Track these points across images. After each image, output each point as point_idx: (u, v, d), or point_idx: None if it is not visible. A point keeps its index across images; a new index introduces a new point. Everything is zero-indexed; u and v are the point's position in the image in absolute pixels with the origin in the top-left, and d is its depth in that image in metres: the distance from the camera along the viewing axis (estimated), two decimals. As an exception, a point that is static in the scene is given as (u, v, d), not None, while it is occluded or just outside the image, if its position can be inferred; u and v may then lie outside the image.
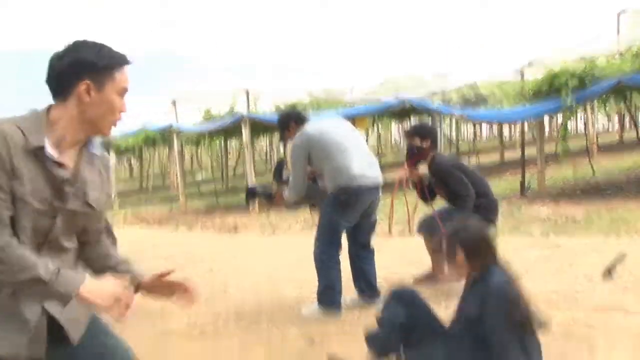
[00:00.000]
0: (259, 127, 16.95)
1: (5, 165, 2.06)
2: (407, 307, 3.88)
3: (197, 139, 21.83)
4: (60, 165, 2.21)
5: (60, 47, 2.27)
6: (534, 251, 7.68)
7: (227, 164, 29.08)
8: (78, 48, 2.25)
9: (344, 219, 5.56)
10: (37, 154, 2.13)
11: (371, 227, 5.86)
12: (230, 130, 17.48)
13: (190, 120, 18.54)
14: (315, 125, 5.62)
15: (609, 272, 6.19)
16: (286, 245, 10.17)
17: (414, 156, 6.08)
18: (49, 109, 2.25)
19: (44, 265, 2.08)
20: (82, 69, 2.22)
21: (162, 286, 2.64)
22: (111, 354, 2.59)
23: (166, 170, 32.31)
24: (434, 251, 6.30)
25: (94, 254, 2.56)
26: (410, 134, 6.29)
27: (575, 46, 13.72)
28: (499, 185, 14.98)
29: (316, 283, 5.66)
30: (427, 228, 6.29)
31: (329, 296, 5.60)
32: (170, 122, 18.17)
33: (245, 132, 15.56)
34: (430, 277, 6.46)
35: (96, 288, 2.18)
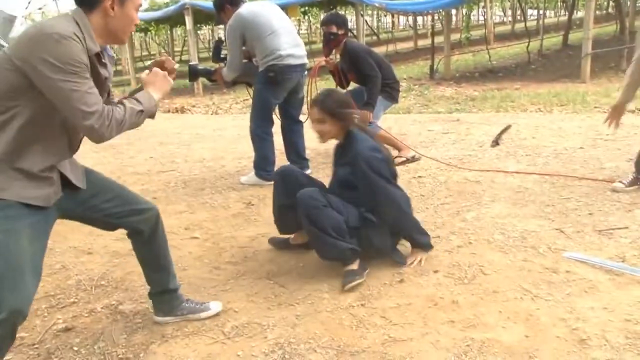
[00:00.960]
0: (201, 15, 16.45)
1: (87, 65, 2.27)
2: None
3: (145, 27, 21.16)
4: (102, 65, 2.44)
5: None
6: (439, 125, 7.90)
7: (174, 50, 28.39)
8: None
9: (274, 95, 5.52)
10: (93, 57, 2.33)
11: (299, 102, 5.84)
12: (175, 18, 16.92)
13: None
14: (249, 7, 5.45)
15: (496, 142, 6.49)
16: (227, 123, 10.15)
17: (330, 42, 6.00)
18: (85, 15, 2.35)
19: (128, 103, 2.48)
20: None
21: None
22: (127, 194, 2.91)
23: (118, 57, 31.37)
24: None
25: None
26: (327, 22, 6.13)
27: None
28: (412, 70, 15.12)
29: (252, 155, 5.72)
30: None
31: (263, 166, 5.67)
32: (119, 9, 17.41)
33: (189, 20, 15.04)
34: None
35: (155, 87, 2.62)
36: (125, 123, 2.39)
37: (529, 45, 15.48)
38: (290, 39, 5.44)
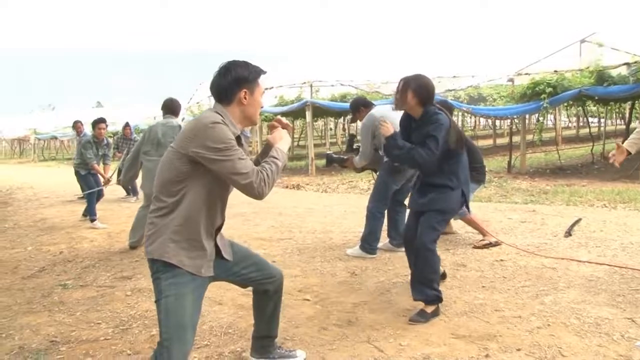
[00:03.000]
0: (318, 111, 16.91)
1: (234, 140, 2.43)
2: None
3: (272, 118, 21.80)
4: (240, 145, 2.52)
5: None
6: (516, 214, 7.57)
7: (293, 137, 29.09)
8: (233, 68, 2.53)
9: (395, 182, 5.48)
10: (236, 138, 2.46)
11: (409, 189, 5.63)
12: (297, 112, 17.40)
13: (267, 103, 18.32)
14: (379, 109, 5.58)
15: (569, 233, 6.14)
16: (335, 201, 10.11)
17: None
18: (224, 108, 2.53)
19: (269, 161, 2.54)
20: (241, 82, 2.52)
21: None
22: (263, 263, 2.95)
23: (250, 141, 32.51)
24: None
25: None
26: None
27: (551, 61, 13.52)
28: (492, 164, 14.77)
29: (357, 230, 5.63)
30: None
31: (370, 241, 5.56)
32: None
33: (309, 114, 15.65)
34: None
35: (282, 142, 2.66)
36: (273, 176, 2.47)
37: (592, 148, 14.97)
38: None
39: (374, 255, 5.54)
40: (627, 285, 4.32)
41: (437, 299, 3.80)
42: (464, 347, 3.31)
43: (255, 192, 2.42)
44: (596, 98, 13.04)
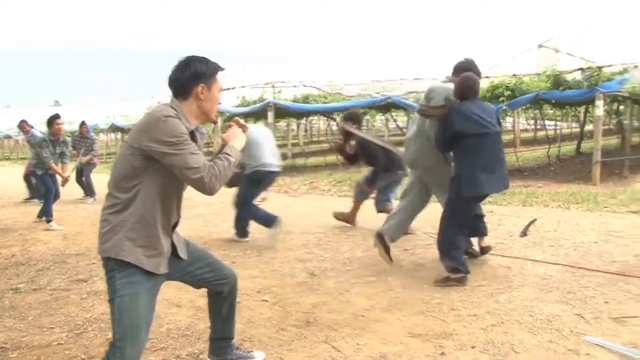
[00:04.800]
0: (280, 112, 16.87)
1: (187, 134, 2.42)
2: None
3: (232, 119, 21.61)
4: (195, 140, 2.53)
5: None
6: (473, 214, 7.68)
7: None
8: (192, 62, 2.52)
9: (253, 191, 6.32)
10: (190, 134, 2.47)
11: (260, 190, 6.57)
12: (259, 113, 17.21)
13: (230, 104, 18.17)
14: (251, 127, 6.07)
15: (524, 233, 6.28)
16: (296, 201, 10.14)
17: (345, 134, 6.93)
18: (180, 103, 2.53)
19: (221, 157, 2.52)
20: (198, 77, 2.51)
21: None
22: (218, 265, 2.94)
23: (210, 140, 32.18)
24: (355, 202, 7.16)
25: None
26: (346, 119, 7.14)
27: (508, 64, 13.73)
28: (450, 164, 14.97)
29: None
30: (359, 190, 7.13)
31: (241, 229, 6.53)
32: (215, 105, 17.91)
33: (270, 115, 15.63)
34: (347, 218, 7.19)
35: (236, 141, 2.66)
36: (225, 172, 2.45)
37: (549, 150, 15.33)
38: (271, 152, 6.27)
39: (247, 239, 6.50)
40: (577, 283, 4.45)
41: (462, 269, 4.54)
42: (421, 345, 3.36)
43: (206, 187, 2.40)
44: (553, 102, 13.35)
